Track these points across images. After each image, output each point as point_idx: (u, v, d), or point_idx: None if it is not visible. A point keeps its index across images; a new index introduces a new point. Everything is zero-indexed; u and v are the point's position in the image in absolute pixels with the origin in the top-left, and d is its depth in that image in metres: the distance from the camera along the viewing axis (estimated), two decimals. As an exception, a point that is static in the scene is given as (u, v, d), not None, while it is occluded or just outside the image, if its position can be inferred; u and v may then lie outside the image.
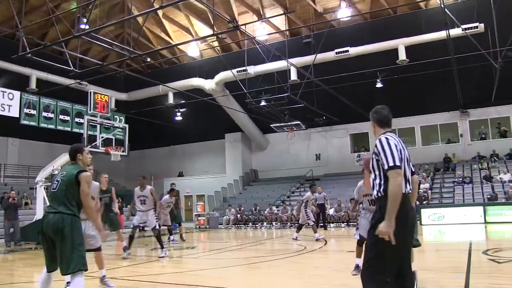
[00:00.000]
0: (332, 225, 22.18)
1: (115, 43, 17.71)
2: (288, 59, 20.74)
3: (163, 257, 10.72)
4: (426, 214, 19.27)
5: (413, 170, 3.86)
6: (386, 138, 3.64)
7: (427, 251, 10.38)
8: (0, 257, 13.62)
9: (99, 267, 7.00)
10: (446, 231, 17.00)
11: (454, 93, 22.83)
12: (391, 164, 3.49)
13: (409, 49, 20.84)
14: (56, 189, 4.83)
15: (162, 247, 11.04)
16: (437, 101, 25.70)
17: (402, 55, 20.77)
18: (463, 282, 6.24)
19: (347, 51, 21.88)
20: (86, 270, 4.68)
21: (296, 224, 18.00)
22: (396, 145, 3.59)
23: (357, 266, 7.03)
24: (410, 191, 3.69)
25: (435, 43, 20.05)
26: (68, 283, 6.04)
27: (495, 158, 25.08)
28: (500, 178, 22.47)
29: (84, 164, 5.45)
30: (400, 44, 20.99)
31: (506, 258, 8.69)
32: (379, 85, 23.28)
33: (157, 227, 11.33)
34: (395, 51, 21.01)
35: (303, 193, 27.71)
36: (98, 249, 6.97)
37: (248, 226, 25.17)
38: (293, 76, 22.45)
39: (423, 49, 20.66)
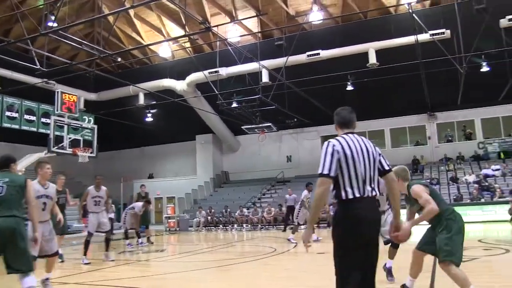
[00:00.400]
0: (302, 226, 22.17)
1: (84, 42, 17.38)
2: (260, 61, 20.75)
3: (112, 260, 10.62)
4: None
5: (387, 168, 3.73)
6: (328, 143, 3.59)
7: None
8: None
9: (47, 270, 6.81)
10: (415, 232, 17.11)
11: (422, 96, 23.41)
12: (319, 171, 3.49)
13: (379, 52, 21.14)
14: (4, 193, 4.98)
15: (107, 250, 10.92)
16: (406, 104, 26.21)
17: (373, 59, 21.05)
18: (428, 281, 6.27)
19: (319, 54, 22.05)
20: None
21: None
22: (333, 151, 3.52)
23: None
24: (378, 194, 3.60)
25: (404, 47, 20.38)
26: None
27: (460, 160, 25.80)
28: (466, 179, 22.99)
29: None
30: (371, 48, 21.25)
31: (469, 256, 8.74)
32: (349, 87, 23.52)
33: (113, 230, 11.12)
34: (365, 55, 21.26)
35: (274, 195, 27.90)
36: (55, 254, 6.87)
37: (218, 229, 25.04)
38: (265, 78, 22.44)
39: (392, 53, 20.93)
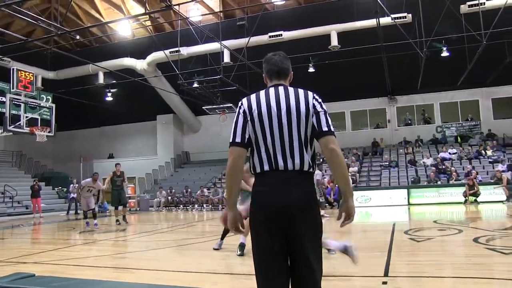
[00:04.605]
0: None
1: (41, 18, 16.93)
2: (222, 41, 20.66)
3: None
4: (354, 197, 19.77)
5: (324, 129, 2.77)
6: (241, 104, 2.89)
7: (354, 232, 10.76)
8: None
9: None
10: (373, 213, 17.74)
11: (383, 80, 23.73)
12: (230, 140, 2.84)
13: (341, 35, 21.29)
14: None
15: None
16: (367, 87, 26.50)
17: (334, 41, 21.22)
18: (384, 261, 6.52)
19: (281, 35, 22.07)
20: None
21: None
22: (239, 113, 2.85)
23: None
24: (306, 167, 2.74)
25: (366, 30, 20.64)
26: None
27: (419, 143, 26.28)
28: (423, 162, 23.59)
29: None
30: (333, 30, 21.40)
31: (425, 236, 9.25)
32: (311, 69, 23.75)
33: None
34: (327, 37, 21.41)
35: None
36: None
37: (179, 209, 25.09)
38: (226, 58, 22.37)
39: (354, 36, 21.21)
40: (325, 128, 2.76)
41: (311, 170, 2.77)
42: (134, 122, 33.54)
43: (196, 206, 24.75)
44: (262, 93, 2.87)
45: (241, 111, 2.83)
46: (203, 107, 27.24)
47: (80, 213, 15.14)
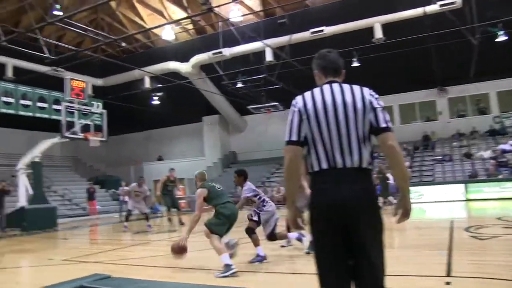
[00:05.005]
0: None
1: (89, 28, 17.64)
2: (263, 40, 20.77)
3: None
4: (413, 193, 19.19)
5: (382, 125, 2.73)
6: (295, 102, 2.84)
7: (407, 229, 10.35)
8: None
9: None
10: (427, 209, 16.89)
11: (431, 70, 22.97)
12: (285, 138, 2.80)
13: (385, 27, 20.73)
14: None
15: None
16: (414, 79, 25.81)
17: (379, 33, 20.70)
18: (445, 260, 6.26)
19: (322, 30, 21.74)
20: None
21: None
22: (294, 111, 2.80)
23: None
24: (366, 164, 2.71)
25: (412, 20, 19.93)
26: None
27: (475, 135, 25.21)
28: (481, 155, 22.47)
29: None
30: (376, 22, 20.86)
31: (488, 234, 8.65)
32: (355, 64, 23.30)
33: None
34: (371, 30, 20.94)
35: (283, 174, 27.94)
36: None
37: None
38: (269, 57, 22.39)
39: (399, 27, 20.48)
40: (383, 125, 2.72)
41: (370, 167, 2.73)
42: (181, 125, 34.09)
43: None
44: (316, 90, 2.82)
45: (295, 109, 2.79)
46: (248, 107, 27.46)
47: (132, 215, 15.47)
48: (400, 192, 2.80)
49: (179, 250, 6.94)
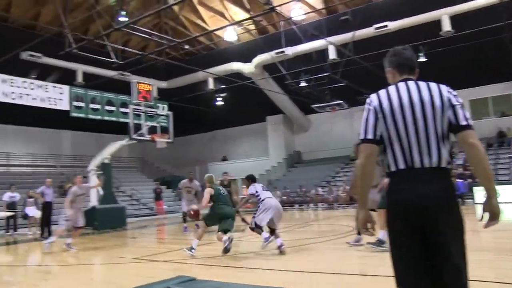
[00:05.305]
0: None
1: (153, 32, 18.04)
2: (326, 38, 20.49)
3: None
4: (480, 192, 17.92)
5: (463, 123, 2.64)
6: (370, 100, 2.78)
7: (482, 231, 9.69)
8: (63, 241, 14.26)
9: None
10: (503, 210, 16.01)
11: (506, 63, 21.60)
12: (360, 137, 2.75)
13: (453, 18, 19.90)
14: None
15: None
16: (487, 72, 24.46)
17: (446, 26, 19.94)
18: None
19: (386, 26, 21.22)
20: None
21: None
22: (369, 109, 2.74)
23: None
24: (444, 163, 2.61)
25: (483, 9, 18.97)
26: None
27: None
28: None
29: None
30: (444, 14, 20.11)
31: None
32: (422, 59, 22.48)
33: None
34: (438, 22, 20.21)
35: (348, 173, 27.61)
36: None
37: (294, 208, 25.29)
38: (332, 54, 22.10)
39: (469, 18, 19.56)
40: (463, 122, 2.63)
41: (449, 166, 2.64)
42: (244, 125, 34.36)
43: (311, 205, 24.80)
44: (392, 88, 2.75)
45: (371, 107, 2.73)
46: (312, 106, 27.23)
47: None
48: (487, 194, 2.63)
49: (195, 214, 9.39)
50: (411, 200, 2.53)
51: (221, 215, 8.57)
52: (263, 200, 9.08)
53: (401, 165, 2.62)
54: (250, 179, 9.70)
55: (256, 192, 9.27)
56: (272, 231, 8.93)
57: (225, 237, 8.34)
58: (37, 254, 11.73)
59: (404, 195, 2.56)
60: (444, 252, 2.50)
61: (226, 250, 8.27)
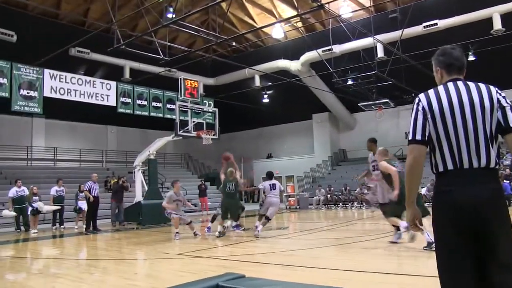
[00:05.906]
0: (426, 204, 21.51)
1: (201, 29, 18.21)
2: (374, 36, 20.18)
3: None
4: None
5: (510, 124, 2.62)
6: (418, 100, 2.78)
7: None
8: (108, 235, 14.68)
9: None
10: None
11: None
12: (409, 137, 2.78)
13: (505, 16, 19.35)
14: None
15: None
16: None
17: (497, 24, 19.40)
18: None
19: (436, 24, 20.90)
20: None
21: None
22: (418, 110, 2.75)
23: None
24: (493, 164, 2.59)
25: None
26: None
27: None
28: None
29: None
30: (495, 12, 19.57)
31: None
32: (471, 58, 21.86)
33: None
34: (489, 21, 19.68)
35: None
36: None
37: (338, 207, 25.10)
38: (380, 53, 21.87)
39: None
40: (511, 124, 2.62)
41: (497, 167, 2.63)
42: (290, 122, 34.31)
43: (355, 204, 24.55)
44: (441, 88, 2.74)
45: (419, 107, 2.74)
46: (358, 104, 26.92)
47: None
48: None
49: (226, 157, 13.44)
50: (460, 202, 2.52)
51: (222, 206, 12.46)
52: (266, 196, 11.81)
53: (450, 166, 2.62)
54: (267, 176, 12.40)
55: (263, 187, 11.97)
56: (262, 217, 11.64)
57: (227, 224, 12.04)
58: (83, 248, 12.06)
59: (454, 196, 2.55)
60: (494, 255, 2.47)
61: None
